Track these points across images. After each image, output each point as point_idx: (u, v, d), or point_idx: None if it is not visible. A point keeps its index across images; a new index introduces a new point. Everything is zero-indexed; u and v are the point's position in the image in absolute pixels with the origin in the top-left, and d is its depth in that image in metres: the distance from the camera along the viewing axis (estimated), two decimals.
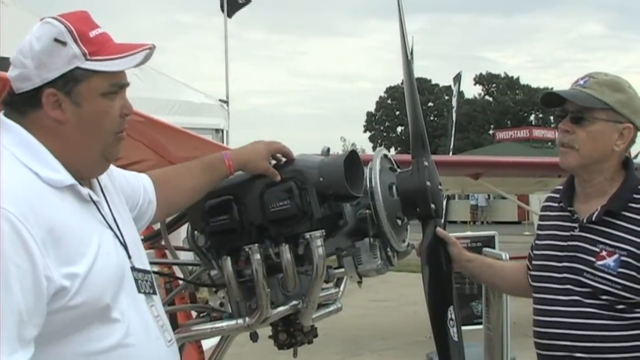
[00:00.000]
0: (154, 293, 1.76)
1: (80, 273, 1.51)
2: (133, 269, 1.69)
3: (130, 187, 1.94)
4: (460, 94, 30.00)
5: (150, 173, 2.08)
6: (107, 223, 1.66)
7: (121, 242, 1.68)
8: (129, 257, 1.69)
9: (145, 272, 1.74)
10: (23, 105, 1.61)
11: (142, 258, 1.78)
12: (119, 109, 1.68)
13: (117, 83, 1.66)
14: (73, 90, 1.60)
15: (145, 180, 2.02)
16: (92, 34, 1.63)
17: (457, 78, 25.66)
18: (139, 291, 1.68)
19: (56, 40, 1.59)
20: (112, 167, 1.82)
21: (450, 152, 23.24)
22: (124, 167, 2.02)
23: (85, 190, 1.63)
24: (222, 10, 10.78)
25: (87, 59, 1.60)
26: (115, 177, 1.86)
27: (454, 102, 25.62)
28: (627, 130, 2.24)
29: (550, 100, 2.32)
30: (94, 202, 1.65)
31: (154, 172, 2.12)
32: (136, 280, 1.68)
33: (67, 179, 1.59)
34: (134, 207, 1.94)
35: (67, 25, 1.60)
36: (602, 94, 2.21)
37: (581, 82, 2.27)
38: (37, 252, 1.44)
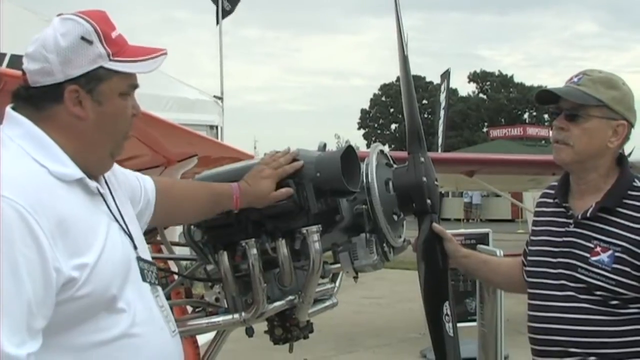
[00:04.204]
0: (159, 284, 1.78)
1: (88, 263, 1.52)
2: (139, 259, 1.71)
3: (131, 186, 1.95)
4: (454, 91, 29.96)
5: (156, 179, 2.09)
6: (113, 215, 1.68)
7: (127, 233, 1.70)
8: (135, 247, 1.71)
9: (150, 263, 1.76)
10: (41, 100, 1.62)
11: (146, 251, 1.80)
12: (131, 110, 1.72)
13: (133, 84, 1.71)
14: (95, 89, 1.63)
15: (147, 183, 2.03)
16: (114, 35, 1.66)
17: (445, 75, 25.56)
18: (144, 280, 1.69)
19: (83, 38, 1.61)
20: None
21: (439, 150, 23.16)
22: (119, 162, 2.03)
23: (93, 184, 1.65)
24: (217, 22, 10.92)
25: (110, 59, 1.64)
26: (117, 173, 1.87)
27: (443, 99, 25.52)
28: (621, 127, 2.25)
29: (545, 98, 2.33)
30: (101, 195, 1.67)
31: (160, 179, 2.14)
32: (142, 270, 1.70)
33: (76, 172, 1.61)
34: (135, 206, 1.94)
35: (93, 25, 1.63)
36: (596, 91, 2.22)
37: (575, 79, 2.28)
38: (46, 243, 1.44)
